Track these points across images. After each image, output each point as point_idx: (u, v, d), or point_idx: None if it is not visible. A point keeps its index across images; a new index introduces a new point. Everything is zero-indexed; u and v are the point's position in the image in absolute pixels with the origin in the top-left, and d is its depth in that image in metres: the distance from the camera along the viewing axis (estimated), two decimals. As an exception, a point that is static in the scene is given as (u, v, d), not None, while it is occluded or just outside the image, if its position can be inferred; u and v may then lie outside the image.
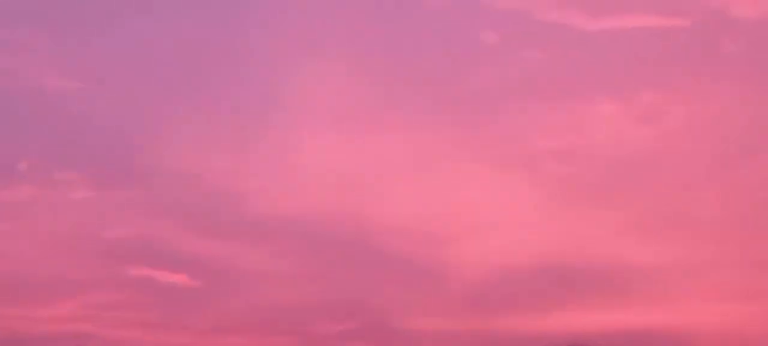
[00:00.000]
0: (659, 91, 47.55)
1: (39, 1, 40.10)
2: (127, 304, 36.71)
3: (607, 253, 44.98)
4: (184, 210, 42.25)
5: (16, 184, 37.85)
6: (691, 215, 43.78)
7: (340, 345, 41.09)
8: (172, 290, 38.78)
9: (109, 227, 36.54)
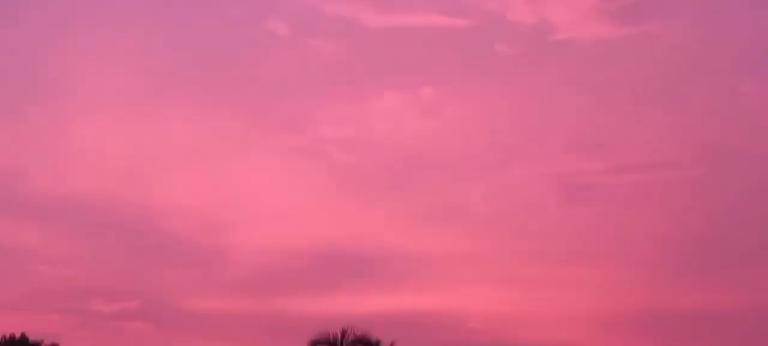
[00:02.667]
0: (439, 88, 48.62)
1: None
2: None
3: (384, 240, 45.75)
4: None
5: None
6: (464, 207, 45.41)
7: (119, 324, 40.06)
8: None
9: None
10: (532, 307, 51.39)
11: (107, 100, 61.36)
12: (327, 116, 62.01)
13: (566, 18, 57.36)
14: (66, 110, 60.63)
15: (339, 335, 29.82)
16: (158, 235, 58.74)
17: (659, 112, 60.17)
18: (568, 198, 59.68)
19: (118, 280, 54.85)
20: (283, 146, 59.20)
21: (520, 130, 61.87)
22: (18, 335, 36.21)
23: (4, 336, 35.97)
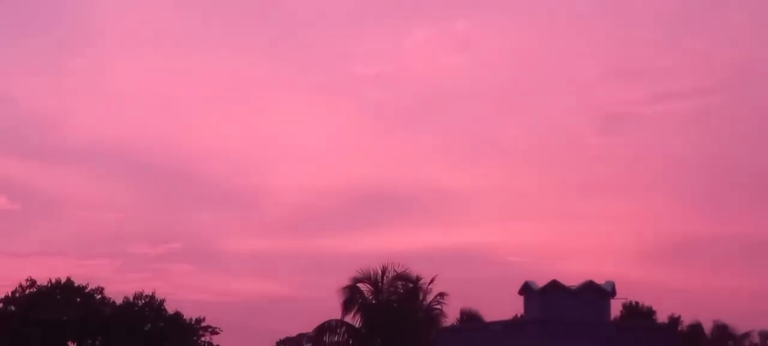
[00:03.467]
0: (471, 21, 48.54)
1: None
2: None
3: (420, 176, 46.15)
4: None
5: None
6: (500, 141, 45.59)
7: (162, 266, 41.00)
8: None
9: None
10: (571, 239, 51.39)
11: (142, 44, 61.66)
12: (358, 53, 61.12)
13: None
14: (102, 56, 61.07)
15: (379, 272, 30.13)
16: (197, 177, 59.33)
17: (694, 39, 59.37)
18: (604, 128, 59.36)
19: (160, 223, 55.48)
20: (315, 85, 60.23)
21: (554, 62, 61.36)
22: (63, 279, 37.05)
23: (50, 280, 36.92)
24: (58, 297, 36.77)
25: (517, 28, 62.63)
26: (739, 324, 38.05)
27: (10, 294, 37.08)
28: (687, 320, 37.10)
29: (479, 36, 61.73)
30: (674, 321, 36.22)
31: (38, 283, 37.36)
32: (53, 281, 37.30)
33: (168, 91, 61.86)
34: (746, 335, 38.47)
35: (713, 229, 53.92)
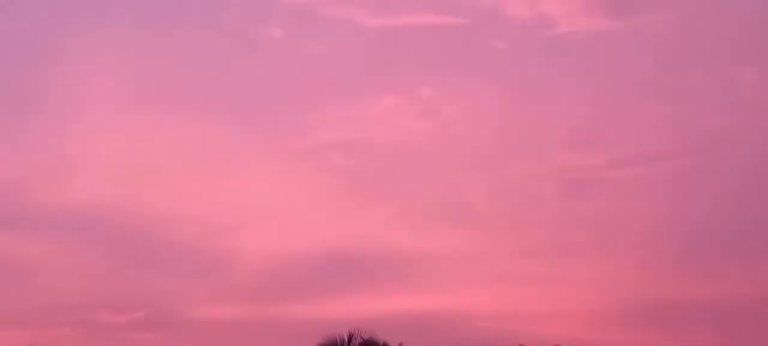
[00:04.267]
0: (437, 88, 48.74)
1: None
2: None
3: (387, 242, 45.82)
4: None
5: None
6: (465, 206, 45.62)
7: (127, 336, 40.04)
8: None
9: None
10: (538, 302, 51.56)
11: (105, 107, 61.57)
12: (325, 120, 62.37)
13: (562, 11, 58.98)
14: (64, 119, 60.82)
15: (346, 339, 29.70)
16: (162, 243, 59.01)
17: (657, 104, 60.47)
18: (568, 193, 59.81)
19: (125, 290, 55.06)
20: (282, 151, 59.19)
21: (518, 127, 62.16)
22: None
23: None
24: None
25: (481, 94, 64.15)
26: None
27: None
28: None
29: (444, 102, 63.24)
30: None
31: None
32: None
33: (131, 156, 61.36)
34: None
35: (682, 293, 54.61)
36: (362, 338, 29.52)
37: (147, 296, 56.48)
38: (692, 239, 56.19)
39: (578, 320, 47.62)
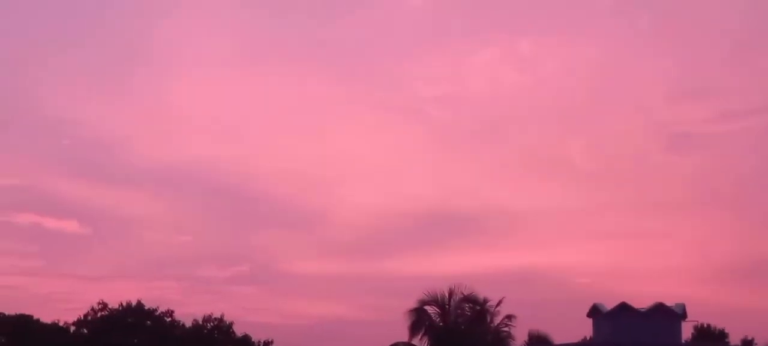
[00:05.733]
0: (535, 40, 48.40)
1: None
2: (14, 252, 37.14)
3: (485, 198, 45.80)
4: (66, 157, 42.40)
5: None
6: (565, 161, 45.02)
7: (230, 289, 41.30)
8: (60, 237, 39.00)
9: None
10: (639, 259, 51.09)
11: (208, 66, 63.11)
12: (423, 74, 60.94)
13: None
14: (168, 78, 62.71)
15: (446, 295, 29.89)
16: (263, 199, 60.23)
17: (758, 57, 58.61)
18: (669, 147, 58.40)
19: (227, 245, 56.49)
20: (380, 106, 60.33)
21: (619, 81, 60.67)
22: (134, 302, 38.29)
23: (121, 304, 38.26)
24: (129, 320, 37.85)
25: (580, 48, 63.00)
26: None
27: (82, 317, 38.09)
28: (761, 341, 36.52)
29: (543, 56, 61.92)
30: (748, 343, 36.11)
31: (109, 306, 38.58)
32: (124, 304, 38.42)
33: (233, 113, 63.69)
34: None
35: None
36: (462, 293, 29.55)
37: (249, 251, 57.71)
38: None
39: (681, 277, 47.06)
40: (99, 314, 38.41)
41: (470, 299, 30.10)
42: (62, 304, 59.98)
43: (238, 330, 39.60)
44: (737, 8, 58.91)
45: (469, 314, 30.35)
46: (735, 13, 58.47)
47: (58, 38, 62.13)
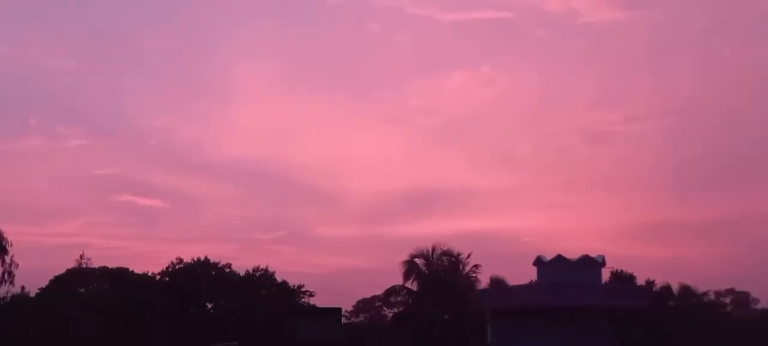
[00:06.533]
0: (494, 66, 63.75)
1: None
2: (116, 222, 51.20)
3: (458, 180, 59.73)
4: (155, 153, 57.22)
5: (27, 136, 52.53)
6: (514, 152, 58.88)
7: (273, 248, 54.85)
8: (149, 211, 53.31)
9: (100, 167, 51.79)
10: (569, 224, 62.01)
11: (257, 87, 77.05)
12: (412, 91, 77.21)
13: (586, 5, 72.67)
14: (228, 96, 76.91)
15: (430, 250, 34.76)
16: (296, 183, 72.41)
17: (655, 76, 74.79)
18: (591, 142, 73.93)
19: (271, 217, 67.97)
20: (380, 115, 77.64)
21: (553, 94, 76.48)
22: (202, 257, 44.48)
23: (193, 259, 44.49)
24: (199, 271, 43.76)
25: (525, 71, 78.10)
26: (699, 285, 42.02)
27: (165, 269, 44.38)
28: (659, 283, 40.47)
29: (499, 77, 77.38)
30: (650, 284, 39.83)
31: (185, 260, 44.35)
32: (195, 259, 44.32)
33: (278, 123, 76.90)
34: (705, 293, 42.75)
35: (677, 214, 65.79)
36: (442, 249, 35.09)
37: (286, 221, 69.17)
38: (681, 176, 70.01)
39: (598, 236, 58.11)
40: (177, 267, 43.92)
41: (448, 253, 34.96)
42: (150, 259, 79.19)
43: (279, 277, 45.05)
44: (641, 36, 74.74)
45: (447, 264, 35.01)
46: (639, 43, 74.81)
47: (149, 65, 78.22)
